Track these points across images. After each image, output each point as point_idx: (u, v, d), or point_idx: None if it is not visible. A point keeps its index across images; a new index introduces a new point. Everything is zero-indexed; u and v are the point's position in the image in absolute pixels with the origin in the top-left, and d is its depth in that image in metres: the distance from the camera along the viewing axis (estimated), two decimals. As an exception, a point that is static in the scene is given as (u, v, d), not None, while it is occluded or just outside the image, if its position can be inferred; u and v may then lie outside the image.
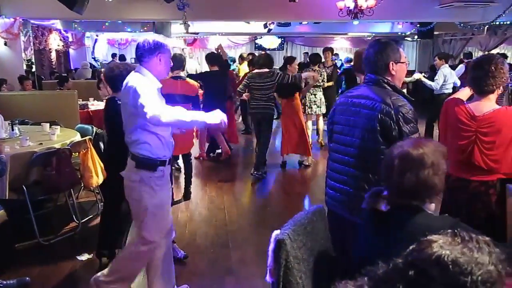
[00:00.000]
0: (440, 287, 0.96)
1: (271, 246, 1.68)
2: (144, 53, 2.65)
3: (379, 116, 2.10)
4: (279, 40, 18.00)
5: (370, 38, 16.43)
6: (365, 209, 1.79)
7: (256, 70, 6.10)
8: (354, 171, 2.21)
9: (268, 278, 1.73)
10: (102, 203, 4.77)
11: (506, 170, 2.40)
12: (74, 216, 4.30)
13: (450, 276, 0.96)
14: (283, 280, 1.64)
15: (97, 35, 14.97)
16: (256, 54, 9.59)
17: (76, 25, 11.73)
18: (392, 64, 2.21)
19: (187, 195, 5.24)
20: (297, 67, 6.94)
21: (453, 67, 9.85)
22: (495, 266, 0.97)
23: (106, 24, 11.71)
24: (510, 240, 2.27)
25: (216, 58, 6.48)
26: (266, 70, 6.03)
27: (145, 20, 11.22)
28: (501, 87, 2.44)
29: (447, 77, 7.31)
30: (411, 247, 1.05)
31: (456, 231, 1.04)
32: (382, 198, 1.71)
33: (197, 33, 13.27)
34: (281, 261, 1.64)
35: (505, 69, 2.42)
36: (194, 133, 6.24)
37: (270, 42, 18.10)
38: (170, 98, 4.75)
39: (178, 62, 4.97)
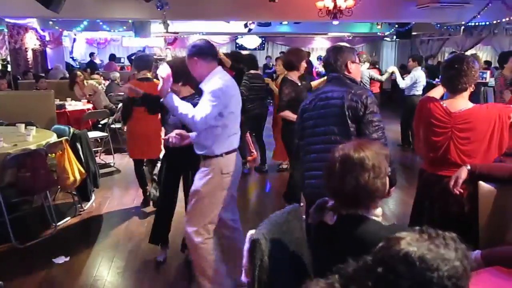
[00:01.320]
0: (407, 283, 0.98)
1: (246, 246, 1.69)
2: None
3: (347, 103, 2.42)
4: (260, 40, 18.02)
5: (350, 38, 16.62)
6: (311, 224, 1.75)
7: (252, 71, 5.85)
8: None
9: (243, 278, 1.73)
10: (79, 205, 4.72)
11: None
12: (50, 219, 4.22)
13: (417, 272, 0.98)
14: (258, 279, 1.64)
15: (75, 34, 14.73)
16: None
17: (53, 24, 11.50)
18: (350, 63, 2.58)
19: (144, 199, 4.96)
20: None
21: (435, 67, 10.01)
22: (461, 261, 0.99)
23: (85, 23, 11.53)
24: (482, 238, 2.32)
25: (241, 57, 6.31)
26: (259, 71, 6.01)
27: (123, 19, 11.09)
28: (472, 85, 2.51)
29: (418, 79, 7.23)
30: (380, 244, 1.07)
31: (423, 228, 1.06)
32: (328, 210, 1.67)
33: (177, 33, 13.16)
34: (256, 261, 1.64)
35: (476, 68, 2.50)
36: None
37: (251, 41, 18.09)
38: (136, 101, 4.68)
39: (146, 62, 4.86)
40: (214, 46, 2.87)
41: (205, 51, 2.77)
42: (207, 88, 2.69)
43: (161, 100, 2.67)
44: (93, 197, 5.00)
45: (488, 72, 6.80)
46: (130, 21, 11.13)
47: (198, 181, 2.87)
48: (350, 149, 1.60)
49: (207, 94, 2.66)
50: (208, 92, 2.66)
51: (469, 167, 2.37)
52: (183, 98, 3.38)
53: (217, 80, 2.71)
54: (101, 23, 11.68)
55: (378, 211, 1.66)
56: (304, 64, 4.34)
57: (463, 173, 2.36)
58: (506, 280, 1.70)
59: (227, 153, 2.80)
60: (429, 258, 0.98)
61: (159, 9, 7.75)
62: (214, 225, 2.86)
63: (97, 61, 14.43)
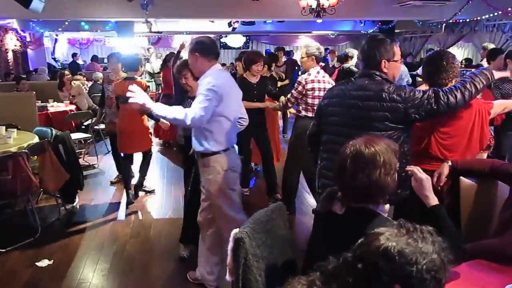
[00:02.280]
0: (387, 278, 0.99)
1: (230, 245, 1.68)
2: None
3: (385, 104, 2.16)
4: (244, 39, 18.00)
5: (334, 36, 16.71)
6: (319, 212, 1.75)
7: None
8: None
9: (227, 277, 1.72)
10: (63, 207, 4.66)
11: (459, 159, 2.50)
12: (33, 222, 4.15)
13: (397, 267, 0.99)
14: (242, 278, 1.64)
15: (56, 35, 14.51)
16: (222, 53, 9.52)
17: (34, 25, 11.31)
18: (385, 62, 2.27)
19: (129, 198, 4.90)
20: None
21: (415, 65, 10.10)
22: (438, 254, 1.01)
23: (66, 23, 11.35)
24: (464, 233, 2.36)
25: None
26: None
27: (106, 19, 10.97)
28: (453, 80, 2.54)
29: (402, 75, 7.09)
30: (359, 241, 1.08)
31: (401, 222, 1.07)
32: (337, 200, 1.67)
33: (161, 32, 13.07)
34: (240, 260, 1.64)
35: (456, 64, 2.53)
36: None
37: (236, 40, 18.07)
38: (121, 100, 4.71)
39: (131, 62, 4.90)
40: (217, 45, 2.88)
41: (207, 49, 2.78)
42: (202, 85, 2.70)
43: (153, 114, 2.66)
44: (76, 199, 4.95)
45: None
46: (112, 21, 11.02)
47: (204, 182, 2.87)
48: (361, 145, 1.59)
49: (202, 90, 2.66)
50: (202, 88, 2.67)
51: (450, 163, 2.40)
52: (192, 98, 3.42)
53: (212, 77, 2.71)
54: (83, 23, 11.54)
55: (386, 207, 1.67)
56: (255, 67, 4.70)
57: (445, 169, 2.40)
58: (487, 273, 1.72)
59: (225, 150, 2.81)
60: (408, 252, 0.99)
61: (143, 8, 7.68)
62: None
63: (80, 61, 14.27)
